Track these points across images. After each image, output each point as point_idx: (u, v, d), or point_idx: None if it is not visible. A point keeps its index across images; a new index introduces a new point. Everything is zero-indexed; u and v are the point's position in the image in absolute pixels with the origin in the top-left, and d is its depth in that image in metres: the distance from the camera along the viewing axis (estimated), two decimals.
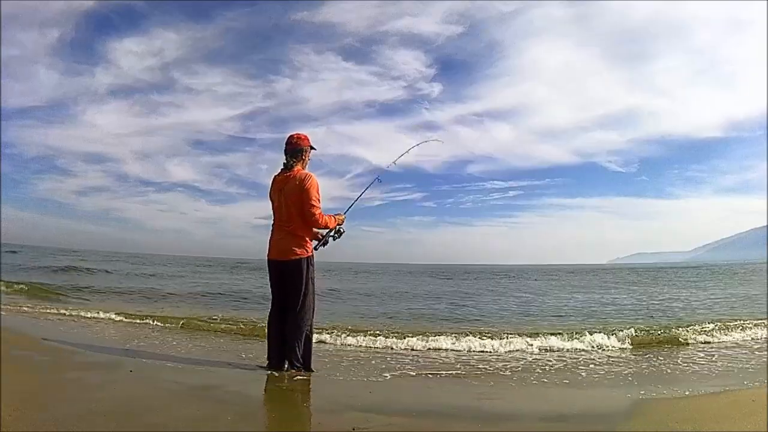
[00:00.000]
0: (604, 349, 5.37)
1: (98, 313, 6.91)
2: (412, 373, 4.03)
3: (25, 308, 7.16)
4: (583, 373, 4.18)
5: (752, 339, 5.88)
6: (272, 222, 3.69)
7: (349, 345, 5.39)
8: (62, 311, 7.04)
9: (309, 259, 3.58)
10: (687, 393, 3.28)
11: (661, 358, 4.83)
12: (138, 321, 6.49)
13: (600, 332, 5.97)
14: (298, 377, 3.44)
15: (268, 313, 3.73)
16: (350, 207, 4.02)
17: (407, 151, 4.53)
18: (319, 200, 3.53)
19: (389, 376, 3.85)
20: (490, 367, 4.38)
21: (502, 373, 4.17)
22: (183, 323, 6.40)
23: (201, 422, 2.18)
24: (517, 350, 5.26)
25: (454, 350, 5.22)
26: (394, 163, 4.44)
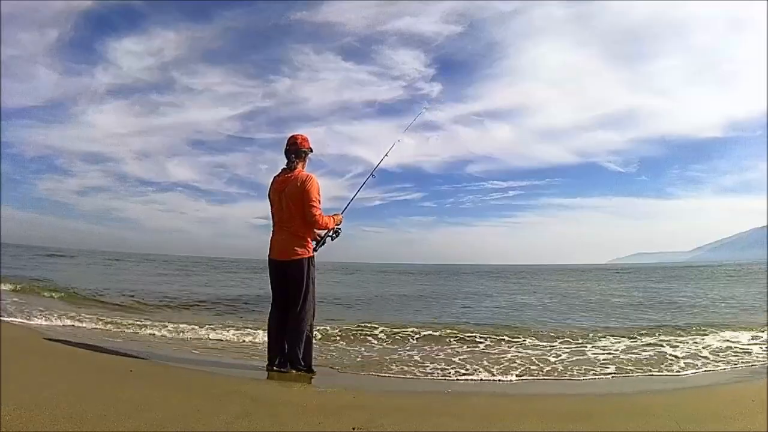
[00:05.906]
0: None
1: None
2: (413, 372, 4.03)
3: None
4: None
5: None
6: (272, 222, 3.70)
7: (349, 344, 5.40)
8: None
9: (310, 260, 3.59)
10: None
11: None
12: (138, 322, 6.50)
13: None
14: (298, 377, 3.45)
15: (268, 313, 3.75)
16: (347, 206, 4.03)
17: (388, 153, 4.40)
18: (319, 201, 3.55)
19: (390, 376, 3.86)
20: (489, 366, 4.38)
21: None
22: (184, 322, 6.40)
23: (200, 420, 2.18)
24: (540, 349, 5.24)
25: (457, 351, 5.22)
26: (386, 155, 4.36)
